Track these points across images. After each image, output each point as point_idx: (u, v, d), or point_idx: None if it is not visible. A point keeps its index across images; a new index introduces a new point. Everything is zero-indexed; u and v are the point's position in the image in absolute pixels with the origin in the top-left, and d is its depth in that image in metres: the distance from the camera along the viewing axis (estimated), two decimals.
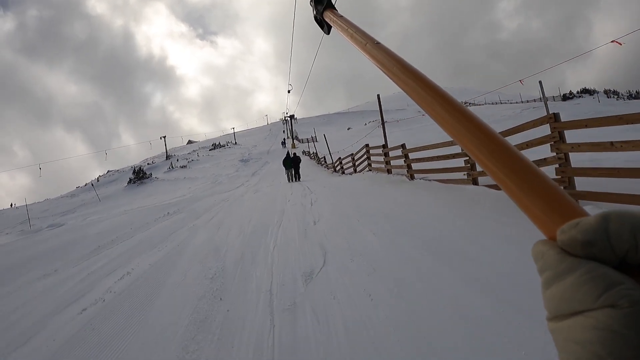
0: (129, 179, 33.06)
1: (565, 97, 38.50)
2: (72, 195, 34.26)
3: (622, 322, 0.20)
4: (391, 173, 9.50)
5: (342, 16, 0.70)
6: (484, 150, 0.34)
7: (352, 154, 14.02)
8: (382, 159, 10.22)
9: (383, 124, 12.04)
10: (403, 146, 8.27)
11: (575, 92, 44.96)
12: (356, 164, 13.59)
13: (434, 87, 0.42)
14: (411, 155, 8.13)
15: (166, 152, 54.19)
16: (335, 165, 16.89)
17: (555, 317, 0.24)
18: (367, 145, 11.50)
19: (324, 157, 22.21)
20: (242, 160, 36.49)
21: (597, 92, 39.76)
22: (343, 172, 15.26)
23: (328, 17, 0.74)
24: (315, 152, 27.33)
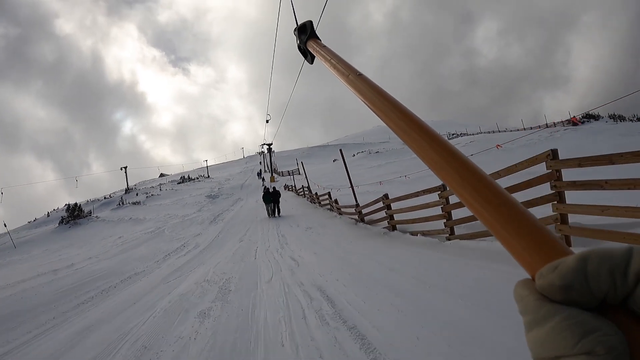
0: (60, 218, 26.75)
1: (574, 123, 35.90)
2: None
3: None
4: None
5: (325, 46, 0.71)
6: (466, 186, 0.33)
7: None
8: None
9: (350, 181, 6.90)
10: (385, 196, 7.16)
11: (562, 119, 43.79)
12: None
13: (416, 120, 0.42)
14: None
15: (127, 184, 48.87)
16: (315, 199, 15.12)
17: (539, 359, 0.24)
18: (385, 195, 7.24)
19: (302, 187, 20.10)
20: (209, 197, 30.81)
21: (602, 117, 37.95)
22: (320, 205, 13.97)
23: (311, 47, 0.74)
24: (305, 186, 22.06)
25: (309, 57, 0.78)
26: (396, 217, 6.97)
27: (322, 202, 13.56)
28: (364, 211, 8.48)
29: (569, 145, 15.45)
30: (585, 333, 0.21)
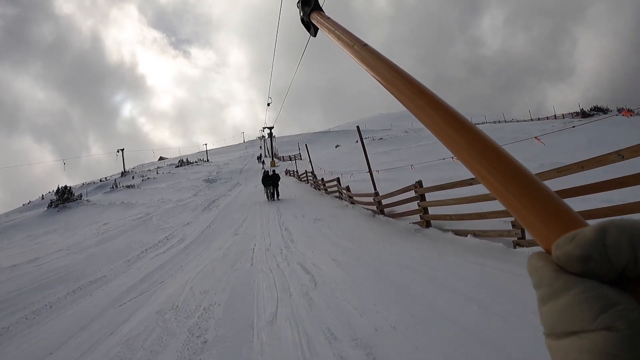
0: (49, 202, 25.64)
1: (585, 114, 34.35)
2: None
3: (619, 345, 0.19)
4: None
5: (329, 18, 0.69)
6: (476, 155, 0.32)
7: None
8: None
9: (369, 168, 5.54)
10: (419, 184, 5.58)
11: (570, 111, 42.99)
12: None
13: (423, 89, 0.40)
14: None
15: (123, 167, 47.72)
16: (320, 184, 13.83)
17: (552, 334, 0.23)
18: (419, 183, 5.67)
19: (305, 172, 18.68)
20: (207, 181, 29.41)
21: (611, 110, 36.67)
22: (327, 192, 12.32)
23: (315, 19, 0.73)
24: (309, 171, 20.46)
25: (312, 29, 0.77)
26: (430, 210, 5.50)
27: (328, 189, 12.04)
28: (384, 201, 6.99)
29: (590, 137, 14.18)
30: (605, 307, 0.20)
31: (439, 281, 3.01)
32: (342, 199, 10.31)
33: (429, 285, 2.95)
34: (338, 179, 10.46)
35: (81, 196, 25.95)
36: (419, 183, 5.52)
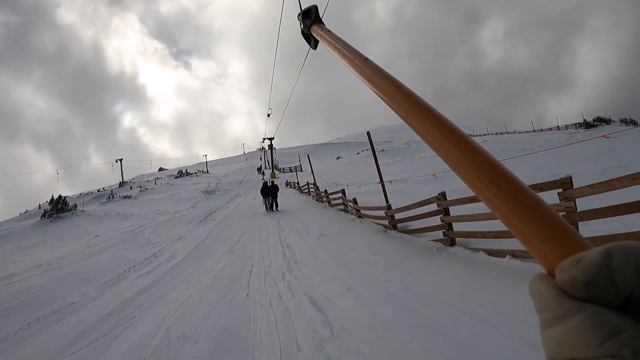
0: (43, 212, 25.00)
1: (588, 125, 34.15)
2: None
3: None
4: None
5: (329, 31, 0.69)
6: (478, 173, 0.31)
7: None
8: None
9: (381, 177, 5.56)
10: (442, 196, 4.95)
11: (573, 122, 41.97)
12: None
13: (423, 104, 0.40)
14: None
15: (122, 177, 47.38)
16: (322, 196, 13.00)
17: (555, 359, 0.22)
18: (442, 195, 4.98)
19: (307, 183, 17.93)
20: (205, 192, 28.79)
21: (614, 121, 36.58)
22: (331, 205, 11.51)
23: (315, 31, 0.72)
24: (310, 182, 19.71)
25: (312, 42, 0.76)
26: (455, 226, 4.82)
27: (332, 202, 11.33)
28: (398, 216, 6.28)
29: (596, 147, 13.74)
30: (611, 334, 0.19)
31: (492, 323, 2.28)
32: (347, 212, 9.59)
33: (483, 331, 2.21)
34: (343, 191, 9.79)
35: (76, 206, 25.22)
36: (443, 195, 4.85)
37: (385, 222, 6.70)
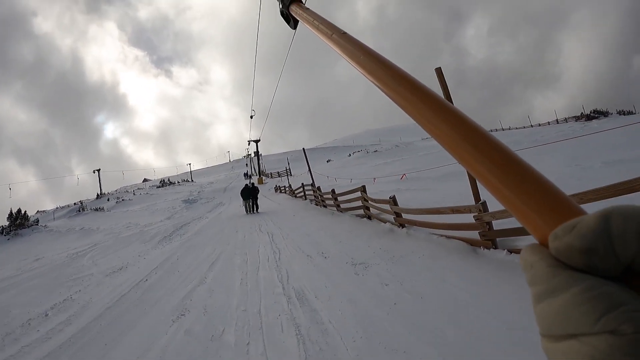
0: (0, 228, 22.32)
1: (589, 117, 33.61)
2: None
3: (625, 351, 0.16)
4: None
5: (308, 9, 0.68)
6: (463, 143, 0.29)
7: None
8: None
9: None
10: None
11: (559, 117, 42.83)
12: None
13: (405, 75, 0.39)
14: None
15: (100, 189, 44.64)
16: (329, 199, 10.68)
17: (549, 335, 0.20)
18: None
19: (302, 185, 15.73)
20: (186, 201, 26.49)
21: (611, 113, 36.43)
22: (339, 209, 9.46)
23: (294, 11, 0.71)
24: (306, 184, 17.47)
25: (292, 22, 0.75)
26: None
27: (341, 205, 8.96)
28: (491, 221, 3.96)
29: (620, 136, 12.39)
30: (610, 308, 0.17)
31: None
32: (369, 217, 7.35)
33: None
34: (364, 188, 7.44)
35: (38, 221, 22.46)
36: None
37: (468, 233, 4.20)
